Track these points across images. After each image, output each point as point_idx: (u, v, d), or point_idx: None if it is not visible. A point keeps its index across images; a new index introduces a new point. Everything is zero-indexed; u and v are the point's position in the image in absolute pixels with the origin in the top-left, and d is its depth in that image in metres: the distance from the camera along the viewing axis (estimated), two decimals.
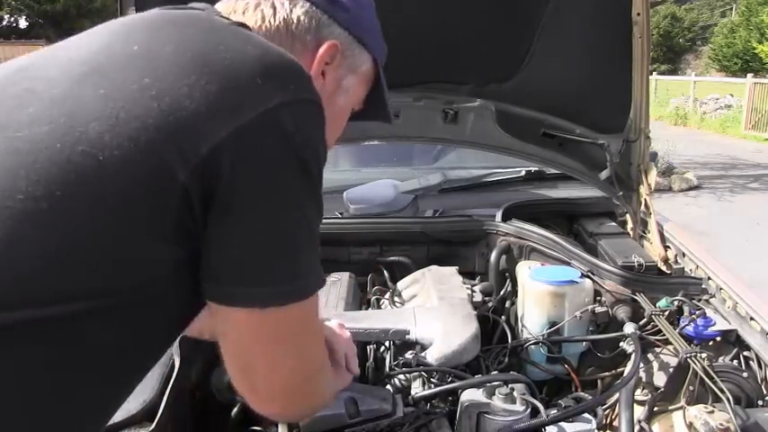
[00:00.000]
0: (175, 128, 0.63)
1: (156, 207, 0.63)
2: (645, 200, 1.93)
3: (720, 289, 1.56)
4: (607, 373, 1.54)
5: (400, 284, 1.80)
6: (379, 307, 1.70)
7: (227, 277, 0.67)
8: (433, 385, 1.29)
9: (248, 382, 0.75)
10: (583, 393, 1.47)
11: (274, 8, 0.82)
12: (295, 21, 0.82)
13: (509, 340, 1.58)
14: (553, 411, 1.18)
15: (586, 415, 1.24)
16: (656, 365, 1.40)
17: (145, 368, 0.74)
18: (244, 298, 0.68)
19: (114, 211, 0.61)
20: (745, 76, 15.22)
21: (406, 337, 1.41)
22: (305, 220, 0.72)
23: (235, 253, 0.67)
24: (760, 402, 1.29)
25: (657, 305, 1.52)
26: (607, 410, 1.35)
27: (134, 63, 0.67)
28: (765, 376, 1.35)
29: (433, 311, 1.50)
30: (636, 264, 1.69)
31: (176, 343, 1.23)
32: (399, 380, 1.33)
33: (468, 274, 1.85)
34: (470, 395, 1.21)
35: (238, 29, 0.75)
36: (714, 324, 1.42)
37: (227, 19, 0.77)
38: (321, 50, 0.82)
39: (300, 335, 0.75)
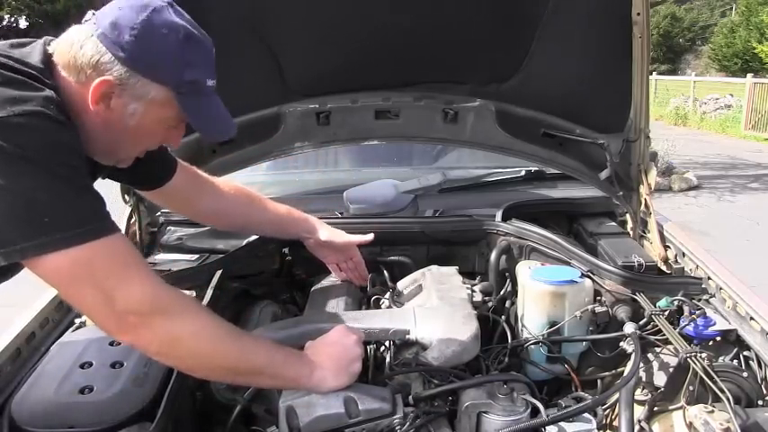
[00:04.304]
0: None
1: None
2: (645, 200, 1.93)
3: (720, 289, 1.56)
4: (607, 373, 1.54)
5: (400, 284, 1.80)
6: (379, 307, 1.70)
7: None
8: (433, 385, 1.29)
9: (91, 318, 1.04)
10: (583, 393, 1.48)
11: (71, 44, 1.05)
12: (80, 57, 1.04)
13: (509, 340, 1.58)
14: (553, 411, 1.18)
15: (586, 415, 1.24)
16: (656, 365, 1.40)
17: None
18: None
19: None
20: (745, 76, 15.21)
21: (406, 337, 1.41)
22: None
23: None
24: (760, 402, 1.29)
25: (657, 305, 1.52)
26: (607, 410, 1.35)
27: None
28: (765, 376, 1.35)
29: (433, 311, 1.50)
30: (636, 264, 1.69)
31: None
32: (399, 380, 1.33)
33: (468, 274, 1.85)
34: (470, 395, 1.21)
35: None
36: (714, 324, 1.42)
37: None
38: (93, 85, 1.04)
39: (85, 282, 0.98)
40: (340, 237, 1.74)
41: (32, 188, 0.94)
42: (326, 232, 1.74)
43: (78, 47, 1.05)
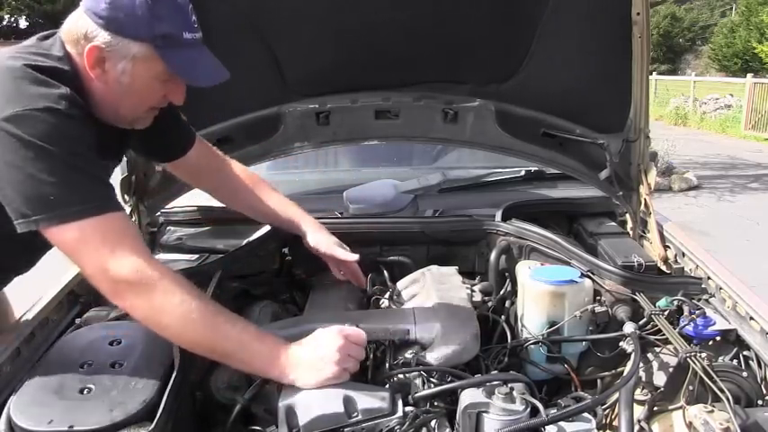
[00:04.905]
0: None
1: None
2: (645, 200, 1.93)
3: (720, 289, 1.56)
4: (607, 373, 1.54)
5: (400, 284, 1.80)
6: (378, 307, 1.70)
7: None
8: (432, 385, 1.28)
9: (92, 283, 1.18)
10: (582, 393, 1.47)
11: (70, 24, 1.25)
12: (75, 32, 1.23)
13: (509, 340, 1.58)
14: (553, 411, 1.18)
15: (586, 415, 1.24)
16: (655, 365, 1.40)
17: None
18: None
19: None
20: (745, 76, 15.21)
21: (406, 336, 1.41)
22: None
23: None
24: (760, 402, 1.29)
25: (657, 305, 1.52)
26: (607, 410, 1.35)
27: None
28: (765, 376, 1.35)
29: (433, 311, 1.50)
30: (636, 263, 1.69)
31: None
32: (399, 379, 1.33)
33: (468, 274, 1.85)
34: (470, 395, 1.21)
35: None
36: (714, 324, 1.42)
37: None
38: (85, 52, 1.21)
39: (84, 252, 1.14)
40: (325, 247, 1.70)
41: (41, 170, 1.10)
42: (314, 238, 1.71)
43: (74, 24, 1.24)
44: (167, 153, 1.65)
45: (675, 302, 1.51)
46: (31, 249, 1.21)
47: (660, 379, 1.36)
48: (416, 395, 1.24)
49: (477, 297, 1.71)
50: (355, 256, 1.70)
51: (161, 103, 1.36)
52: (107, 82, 1.25)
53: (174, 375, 1.19)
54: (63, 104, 1.15)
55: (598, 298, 1.62)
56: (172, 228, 2.10)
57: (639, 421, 1.24)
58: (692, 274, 1.69)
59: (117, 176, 1.78)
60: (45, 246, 1.25)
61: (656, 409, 1.29)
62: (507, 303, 1.74)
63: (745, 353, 1.42)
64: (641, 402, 1.30)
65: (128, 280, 1.13)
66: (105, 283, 1.15)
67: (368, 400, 1.18)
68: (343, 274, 1.77)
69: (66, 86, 1.18)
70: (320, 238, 1.71)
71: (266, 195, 1.73)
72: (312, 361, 1.20)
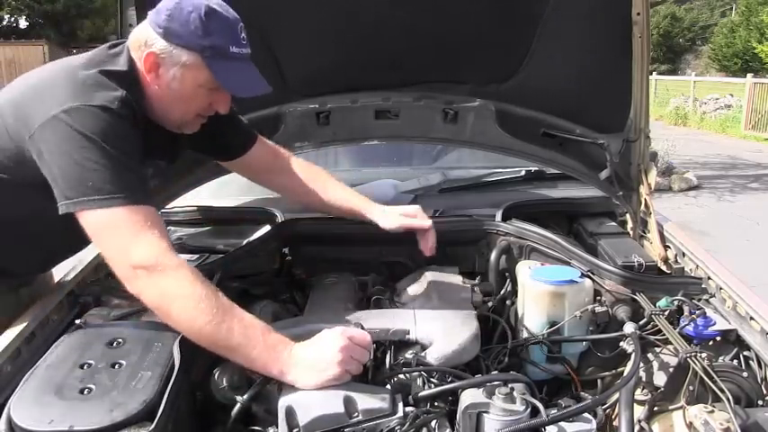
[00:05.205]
0: None
1: None
2: (645, 200, 1.93)
3: (720, 289, 1.56)
4: (607, 373, 1.54)
5: (400, 284, 1.80)
6: (379, 307, 1.70)
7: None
8: (433, 385, 1.28)
9: (111, 267, 1.27)
10: (583, 393, 1.48)
11: (135, 33, 1.40)
12: (138, 39, 1.38)
13: (509, 340, 1.58)
14: (553, 411, 1.18)
15: (586, 415, 1.24)
16: (656, 365, 1.40)
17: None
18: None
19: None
20: (745, 76, 15.20)
21: (406, 336, 1.41)
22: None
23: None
24: (760, 402, 1.29)
25: (657, 305, 1.52)
26: (607, 410, 1.35)
27: None
28: (765, 376, 1.35)
29: (433, 311, 1.50)
30: (636, 263, 1.69)
31: (176, 343, 1.24)
32: (400, 380, 1.33)
33: (468, 274, 1.85)
34: (470, 395, 1.21)
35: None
36: (714, 324, 1.42)
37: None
38: (143, 57, 1.36)
39: (110, 236, 1.24)
40: (397, 225, 1.69)
41: (86, 159, 1.22)
42: (385, 222, 1.71)
43: (138, 33, 1.39)
44: (228, 152, 1.74)
45: (676, 302, 1.51)
46: (76, 233, 1.26)
47: (660, 379, 1.36)
48: (417, 395, 1.24)
49: (478, 297, 1.71)
50: (427, 223, 1.69)
51: (207, 111, 1.47)
52: (160, 86, 1.38)
53: (174, 375, 1.18)
54: (116, 104, 1.28)
55: (598, 298, 1.62)
56: (172, 228, 2.10)
57: (640, 421, 1.24)
58: (693, 275, 1.69)
59: None
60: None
61: (656, 409, 1.29)
62: (507, 303, 1.74)
63: (745, 353, 1.42)
64: (641, 402, 1.30)
65: (144, 265, 1.20)
66: (123, 267, 1.23)
67: (368, 401, 1.18)
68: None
69: (123, 89, 1.31)
70: (390, 220, 1.71)
71: (330, 190, 1.76)
72: (314, 361, 1.20)
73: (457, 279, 1.72)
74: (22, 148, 1.31)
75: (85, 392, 1.12)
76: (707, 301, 1.58)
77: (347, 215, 1.78)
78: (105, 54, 1.40)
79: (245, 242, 1.88)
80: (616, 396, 1.26)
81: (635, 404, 1.23)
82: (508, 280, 1.81)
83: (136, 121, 1.34)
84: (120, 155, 1.25)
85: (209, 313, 1.19)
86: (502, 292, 1.77)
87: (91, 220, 1.24)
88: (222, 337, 1.20)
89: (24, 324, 1.38)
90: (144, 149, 1.37)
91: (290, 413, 1.16)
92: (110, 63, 1.37)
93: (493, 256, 1.84)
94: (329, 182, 1.78)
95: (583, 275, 1.62)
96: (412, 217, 1.71)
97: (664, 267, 1.76)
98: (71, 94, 1.27)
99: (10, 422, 1.08)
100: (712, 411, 1.14)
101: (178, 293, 1.20)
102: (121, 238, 1.23)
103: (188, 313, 1.20)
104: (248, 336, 1.20)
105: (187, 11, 1.32)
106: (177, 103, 1.42)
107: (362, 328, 1.33)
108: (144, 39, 1.36)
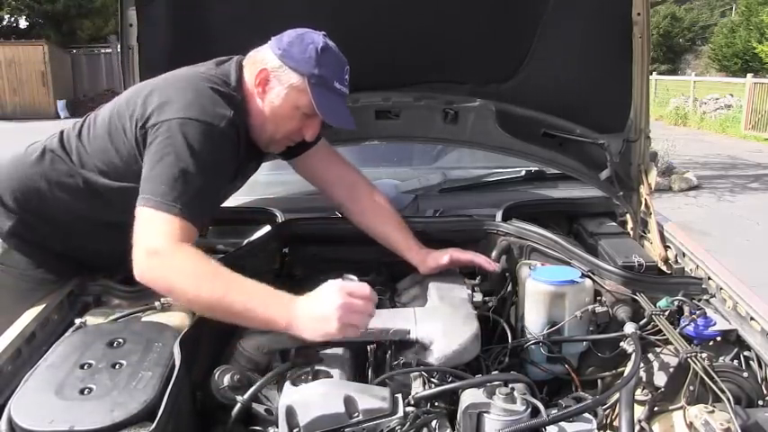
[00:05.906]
0: None
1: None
2: (645, 200, 1.93)
3: (720, 289, 1.56)
4: (607, 373, 1.54)
5: (400, 284, 1.80)
6: (379, 307, 1.70)
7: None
8: (433, 385, 1.28)
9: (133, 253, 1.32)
10: (583, 393, 1.47)
11: (255, 52, 1.57)
12: (257, 58, 1.55)
13: (509, 340, 1.58)
14: (553, 411, 1.18)
15: (587, 415, 1.24)
16: (656, 365, 1.40)
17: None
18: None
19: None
20: (745, 76, 15.20)
21: (407, 336, 1.41)
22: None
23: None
24: (760, 402, 1.29)
25: (658, 305, 1.52)
26: (607, 410, 1.35)
27: None
28: (765, 376, 1.35)
29: (433, 311, 1.50)
30: (636, 264, 1.69)
31: (177, 343, 1.24)
32: (400, 380, 1.33)
33: (468, 274, 1.85)
34: (471, 395, 1.21)
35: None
36: (714, 324, 1.42)
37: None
38: (257, 71, 1.52)
39: (147, 228, 1.32)
40: (435, 265, 1.73)
41: (175, 164, 1.35)
42: (424, 267, 1.73)
43: (259, 53, 1.55)
44: (289, 150, 1.74)
45: (676, 303, 1.51)
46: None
47: (661, 379, 1.36)
48: (417, 395, 1.24)
49: (478, 297, 1.70)
50: (470, 256, 1.76)
51: (295, 135, 1.60)
52: (263, 101, 1.52)
53: (174, 375, 1.18)
54: (223, 123, 1.42)
55: (598, 298, 1.62)
56: None
57: (640, 421, 1.24)
58: (693, 275, 1.69)
59: None
60: None
61: (656, 409, 1.29)
62: (508, 303, 1.74)
63: (745, 353, 1.42)
64: (642, 403, 1.30)
65: (157, 250, 1.29)
66: (139, 252, 1.30)
67: (369, 401, 1.18)
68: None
69: (232, 109, 1.44)
70: (428, 263, 1.73)
71: (382, 223, 1.79)
72: (315, 315, 1.25)
73: (457, 279, 1.72)
74: (134, 136, 1.44)
75: (86, 392, 1.12)
76: (707, 301, 1.58)
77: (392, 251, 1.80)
78: (217, 72, 1.52)
79: (245, 242, 1.88)
80: (616, 396, 1.26)
81: (635, 404, 1.23)
82: (509, 280, 1.81)
83: (238, 139, 1.48)
84: (206, 172, 1.37)
85: (214, 280, 1.28)
86: (502, 292, 1.77)
87: (139, 212, 1.34)
88: (230, 300, 1.27)
89: (24, 324, 1.38)
90: (238, 164, 1.53)
91: (290, 413, 1.16)
92: (222, 85, 1.48)
93: (493, 256, 1.84)
94: (390, 218, 1.79)
95: (583, 275, 1.62)
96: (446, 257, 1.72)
97: (664, 267, 1.76)
98: (187, 106, 1.40)
99: (10, 422, 1.08)
100: (713, 411, 1.14)
101: (183, 267, 1.29)
102: (153, 233, 1.31)
103: (194, 284, 1.28)
104: (253, 291, 1.29)
105: (307, 42, 1.50)
106: (272, 120, 1.54)
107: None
108: (262, 57, 1.53)
